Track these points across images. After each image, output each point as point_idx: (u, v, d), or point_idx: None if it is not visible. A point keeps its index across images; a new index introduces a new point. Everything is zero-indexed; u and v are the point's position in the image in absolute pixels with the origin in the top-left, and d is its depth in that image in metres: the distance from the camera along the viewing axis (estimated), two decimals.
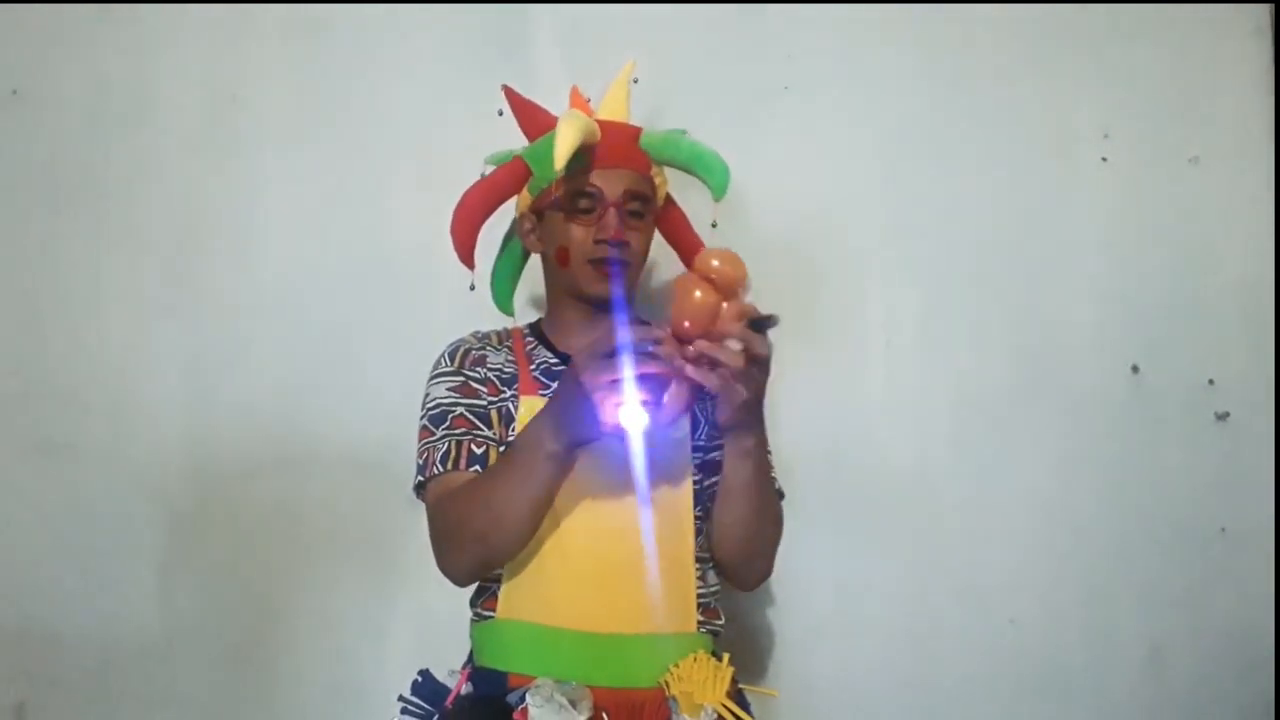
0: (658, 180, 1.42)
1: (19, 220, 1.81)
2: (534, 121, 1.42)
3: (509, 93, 1.44)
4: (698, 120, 1.58)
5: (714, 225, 1.41)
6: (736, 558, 1.33)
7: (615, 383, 1.08)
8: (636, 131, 1.39)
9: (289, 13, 1.84)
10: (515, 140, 1.47)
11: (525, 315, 1.60)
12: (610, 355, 1.09)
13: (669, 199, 1.49)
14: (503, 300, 1.58)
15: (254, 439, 1.77)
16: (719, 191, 1.38)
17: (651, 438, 1.16)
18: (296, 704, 1.75)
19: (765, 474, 1.32)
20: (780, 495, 1.41)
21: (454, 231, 1.38)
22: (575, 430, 1.14)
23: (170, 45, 1.84)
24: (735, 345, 1.12)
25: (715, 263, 1.11)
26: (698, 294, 1.11)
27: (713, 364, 1.12)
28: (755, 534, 1.31)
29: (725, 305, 1.12)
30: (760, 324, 1.12)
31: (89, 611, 1.75)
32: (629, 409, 1.08)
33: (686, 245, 1.51)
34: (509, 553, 1.25)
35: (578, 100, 1.44)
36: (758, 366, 1.14)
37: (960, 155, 1.85)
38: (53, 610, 1.75)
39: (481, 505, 1.22)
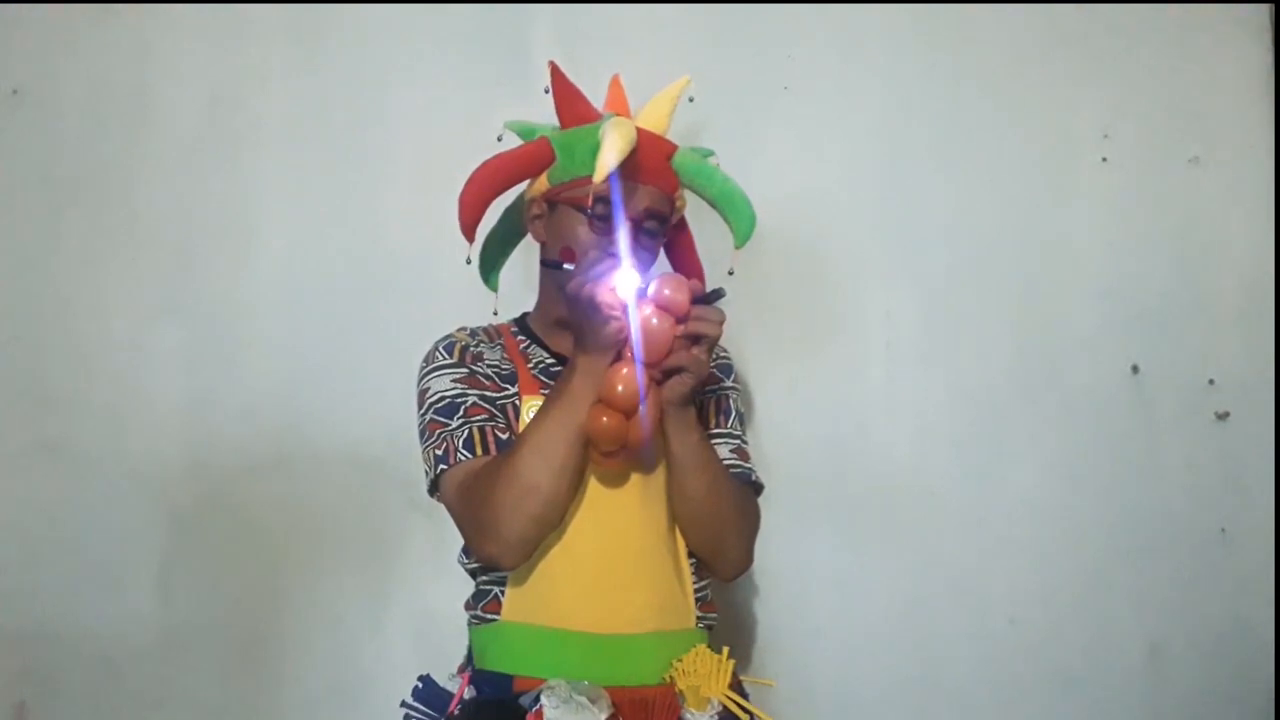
0: (679, 203, 1.38)
1: (19, 220, 1.81)
2: (573, 109, 1.34)
3: (555, 72, 1.35)
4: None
5: (730, 273, 1.34)
6: (702, 542, 1.31)
7: (602, 276, 1.17)
8: (671, 149, 1.34)
9: (289, 13, 1.84)
10: (511, 142, 1.43)
11: (508, 295, 1.54)
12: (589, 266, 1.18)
13: (682, 220, 1.45)
14: (488, 272, 1.51)
15: (254, 439, 1.77)
16: (741, 239, 1.33)
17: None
18: (296, 703, 1.75)
19: (712, 450, 1.31)
20: (758, 489, 1.39)
21: (463, 200, 1.29)
22: (593, 333, 1.19)
23: (170, 45, 1.84)
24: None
25: (666, 291, 1.18)
26: (655, 321, 1.18)
27: (694, 340, 1.19)
28: (713, 515, 1.29)
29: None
30: (710, 298, 1.19)
31: (89, 611, 1.75)
32: (620, 279, 1.17)
33: (686, 271, 1.45)
34: (562, 502, 1.22)
35: (617, 92, 1.39)
36: (710, 341, 1.20)
37: (960, 155, 1.86)
38: (53, 610, 1.75)
39: (529, 453, 1.20)
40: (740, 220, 1.33)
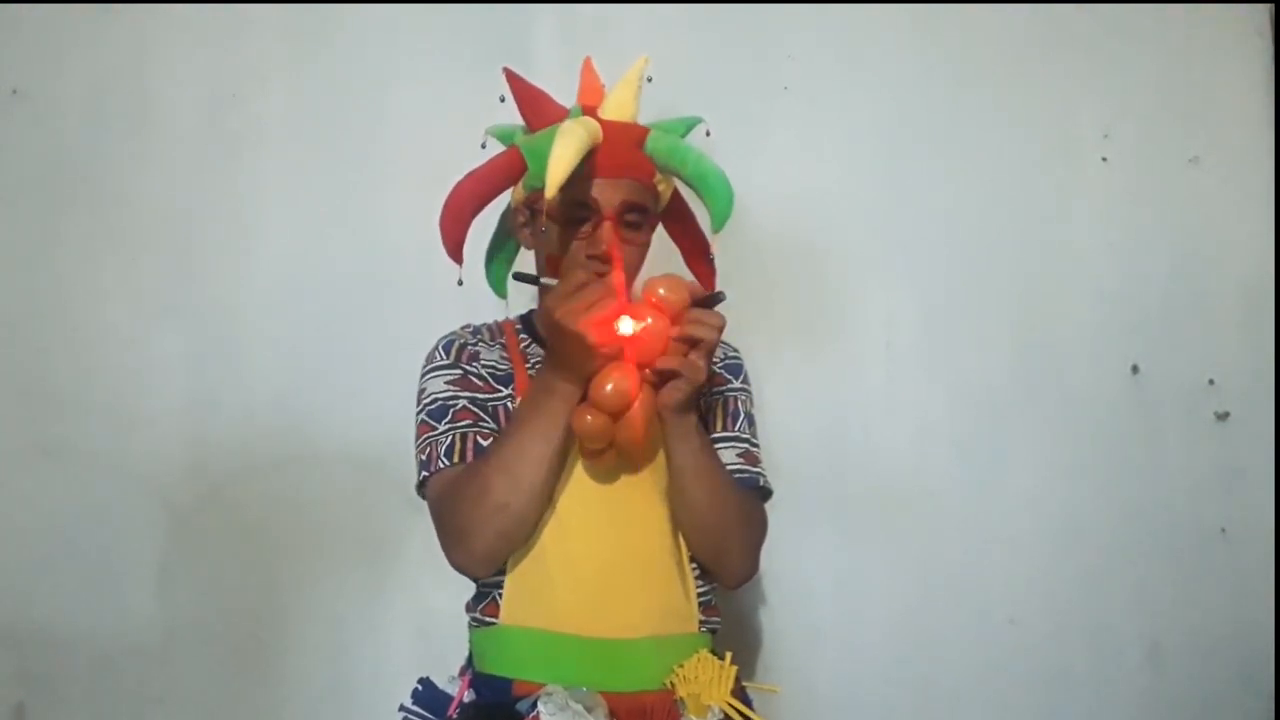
0: (661, 187, 1.33)
1: (19, 220, 1.81)
2: (538, 111, 1.29)
3: (511, 77, 1.31)
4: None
5: (711, 259, 1.30)
6: (704, 550, 1.28)
7: (593, 308, 1.12)
8: (642, 135, 1.27)
9: (289, 13, 1.84)
10: (496, 148, 1.39)
11: (519, 300, 1.54)
12: (577, 289, 1.14)
13: (676, 194, 1.39)
14: (497, 283, 1.49)
15: (254, 439, 1.77)
16: (718, 221, 1.21)
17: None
18: (296, 704, 1.75)
19: (714, 456, 1.28)
20: (766, 494, 1.36)
21: (443, 225, 1.27)
22: (576, 364, 1.16)
23: (170, 45, 1.84)
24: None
25: (661, 290, 1.15)
26: (649, 322, 1.14)
27: (691, 344, 1.15)
28: (715, 523, 1.26)
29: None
30: (710, 300, 1.16)
31: (89, 611, 1.75)
32: (616, 322, 1.13)
33: (691, 244, 1.41)
34: (531, 519, 1.21)
35: (590, 78, 1.34)
36: (708, 346, 1.16)
37: (960, 155, 1.86)
38: (53, 610, 1.75)
39: (497, 471, 1.19)
40: (716, 201, 1.21)
